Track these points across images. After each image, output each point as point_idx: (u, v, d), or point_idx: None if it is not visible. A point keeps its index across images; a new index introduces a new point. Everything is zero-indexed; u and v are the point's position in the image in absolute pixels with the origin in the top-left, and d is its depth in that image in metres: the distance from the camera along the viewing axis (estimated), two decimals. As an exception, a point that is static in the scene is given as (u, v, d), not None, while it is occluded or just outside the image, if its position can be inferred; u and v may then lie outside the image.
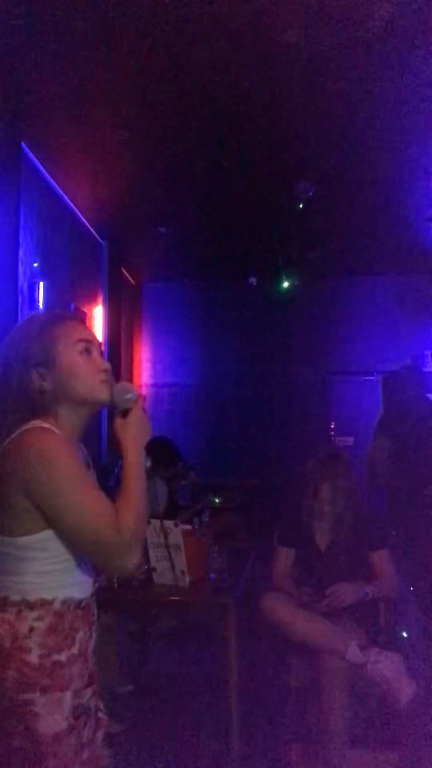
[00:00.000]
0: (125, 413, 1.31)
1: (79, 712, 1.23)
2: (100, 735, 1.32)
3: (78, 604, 1.26)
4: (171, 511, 3.89)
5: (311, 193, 5.07)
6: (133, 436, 1.28)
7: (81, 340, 1.30)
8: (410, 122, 4.28)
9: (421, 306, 7.77)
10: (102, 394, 1.29)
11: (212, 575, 2.48)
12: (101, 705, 1.37)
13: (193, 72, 3.70)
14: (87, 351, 1.30)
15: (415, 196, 5.59)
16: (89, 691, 1.28)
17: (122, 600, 2.61)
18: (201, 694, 3.06)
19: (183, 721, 2.84)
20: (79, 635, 1.25)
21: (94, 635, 1.32)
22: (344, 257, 7.14)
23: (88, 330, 1.37)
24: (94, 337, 1.35)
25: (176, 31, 3.32)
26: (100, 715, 1.36)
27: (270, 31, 3.32)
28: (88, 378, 1.28)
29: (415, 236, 6.55)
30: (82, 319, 1.34)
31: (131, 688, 3.08)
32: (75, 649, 1.24)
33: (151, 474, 3.98)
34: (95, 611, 1.33)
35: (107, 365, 1.33)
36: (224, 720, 2.39)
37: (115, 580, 2.52)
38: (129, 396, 1.31)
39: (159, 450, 4.12)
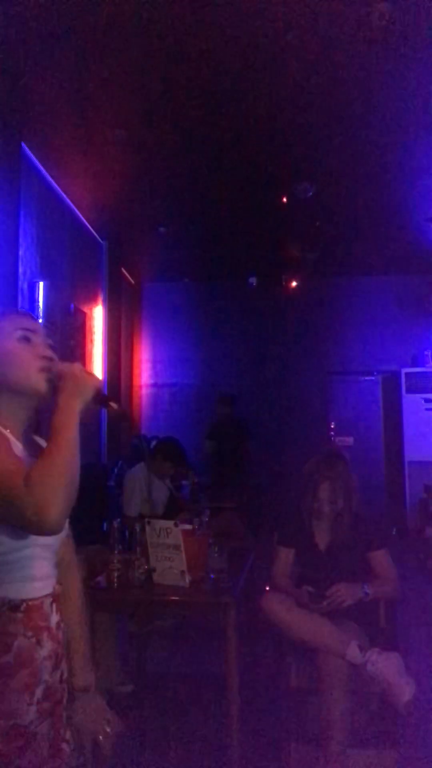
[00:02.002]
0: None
1: (13, 735, 1.09)
2: None
3: (15, 605, 1.14)
4: (171, 511, 3.89)
5: (311, 193, 5.08)
6: (67, 393, 1.18)
7: (20, 328, 1.25)
8: (410, 122, 4.28)
9: (421, 306, 7.77)
10: (38, 382, 1.23)
11: (212, 575, 2.48)
12: (67, 734, 1.22)
13: (193, 72, 3.70)
14: (26, 339, 1.25)
15: (415, 196, 5.59)
16: (33, 710, 1.13)
17: (122, 600, 2.60)
18: (201, 694, 3.06)
19: (183, 721, 2.84)
20: (17, 642, 1.13)
21: (48, 644, 1.18)
22: (344, 257, 7.15)
23: (32, 322, 1.32)
24: (38, 328, 1.30)
25: (176, 32, 3.32)
26: (62, 746, 1.20)
27: (271, 32, 3.33)
28: (24, 365, 1.23)
29: (415, 236, 6.55)
30: (28, 314, 1.33)
31: (131, 688, 3.08)
32: (9, 657, 1.12)
33: (151, 473, 3.99)
34: (54, 616, 1.22)
35: (49, 353, 1.26)
36: (224, 720, 2.38)
37: (115, 580, 2.52)
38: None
39: (168, 449, 4.13)
